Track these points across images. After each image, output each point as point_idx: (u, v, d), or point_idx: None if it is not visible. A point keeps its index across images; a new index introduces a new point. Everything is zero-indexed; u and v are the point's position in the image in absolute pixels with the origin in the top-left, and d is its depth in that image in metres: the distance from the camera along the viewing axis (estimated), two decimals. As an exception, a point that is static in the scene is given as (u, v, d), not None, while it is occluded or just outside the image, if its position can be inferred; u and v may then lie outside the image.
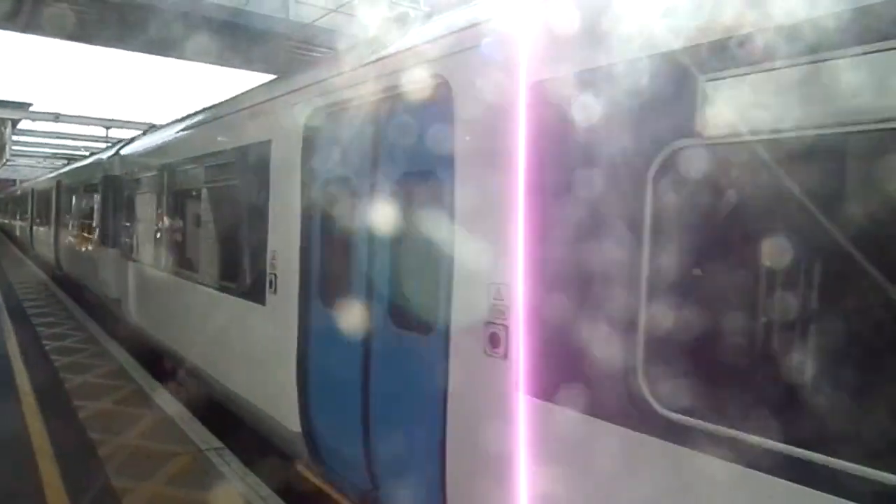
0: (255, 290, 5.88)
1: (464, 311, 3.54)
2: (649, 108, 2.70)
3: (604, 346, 2.76)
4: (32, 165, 45.36)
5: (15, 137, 32.62)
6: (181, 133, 9.04)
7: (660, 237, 2.65)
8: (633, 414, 2.66)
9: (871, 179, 2.23)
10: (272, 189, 5.73)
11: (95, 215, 13.47)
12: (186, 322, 8.05)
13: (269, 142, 5.81)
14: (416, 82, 3.95)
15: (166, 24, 15.11)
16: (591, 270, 2.86)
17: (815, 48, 2.19)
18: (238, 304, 6.30)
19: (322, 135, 5.09)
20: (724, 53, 2.43)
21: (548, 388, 3.05)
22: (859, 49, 2.10)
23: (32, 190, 27.86)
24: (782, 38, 2.26)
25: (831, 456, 2.09)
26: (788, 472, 2.18)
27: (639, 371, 2.65)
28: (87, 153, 29.19)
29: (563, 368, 3.03)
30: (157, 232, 9.31)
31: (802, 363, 2.31)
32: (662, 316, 2.60)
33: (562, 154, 3.06)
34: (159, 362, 9.17)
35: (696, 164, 2.55)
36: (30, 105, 28.80)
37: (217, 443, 6.41)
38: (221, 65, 20.98)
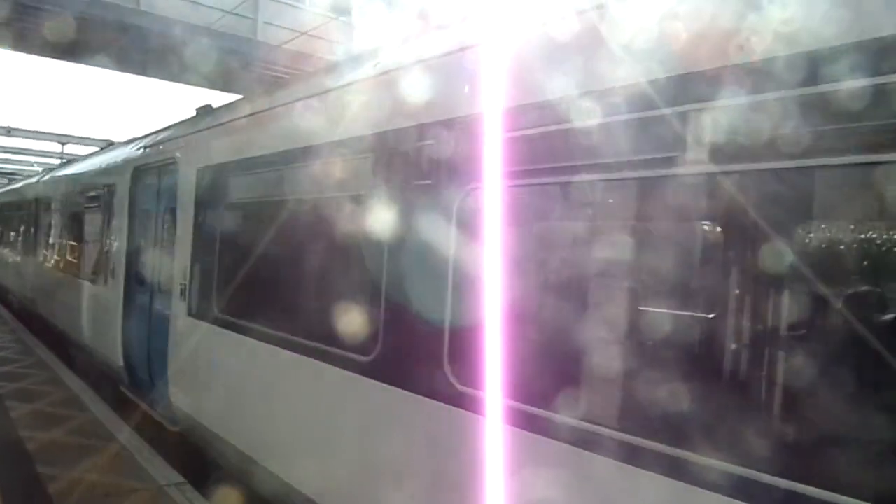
0: (103, 278, 9.58)
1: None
2: None
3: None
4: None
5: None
6: (73, 171, 13.49)
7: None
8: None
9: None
10: (114, 213, 9.46)
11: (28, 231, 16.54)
12: (65, 302, 11.83)
13: (114, 184, 9.61)
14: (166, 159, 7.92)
15: (129, 42, 14.81)
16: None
17: None
18: (94, 287, 10.06)
19: (137, 184, 8.82)
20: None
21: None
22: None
23: None
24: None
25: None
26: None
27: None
28: (39, 169, 28.27)
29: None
30: (53, 241, 13.52)
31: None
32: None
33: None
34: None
35: None
36: (-20, 118, 27.88)
37: (178, 478, 6.08)
38: (185, 83, 20.65)
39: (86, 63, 20.71)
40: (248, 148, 5.88)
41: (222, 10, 15.75)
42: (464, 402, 3.37)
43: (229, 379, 5.97)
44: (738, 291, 2.55)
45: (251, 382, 5.60)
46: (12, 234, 18.36)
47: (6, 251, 18.97)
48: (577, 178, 3.07)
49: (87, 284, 10.47)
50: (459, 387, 3.41)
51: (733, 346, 2.53)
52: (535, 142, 3.14)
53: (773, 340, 2.45)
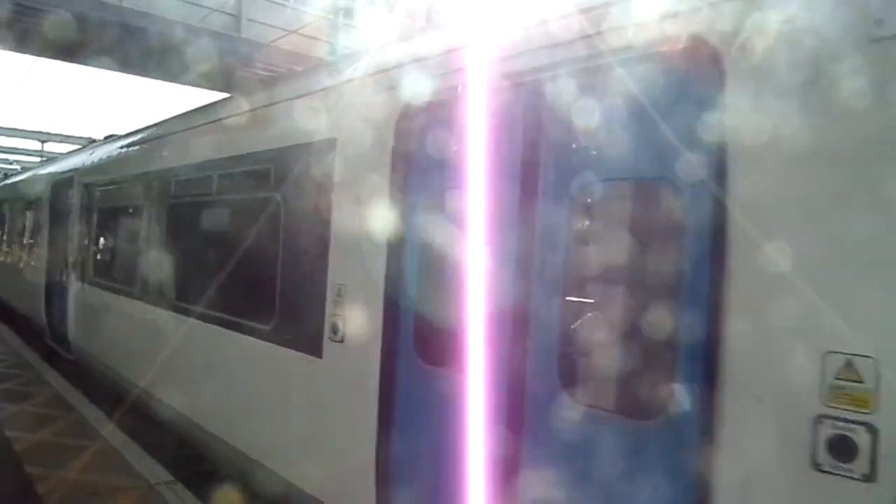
0: (32, 263, 12.64)
1: None
2: None
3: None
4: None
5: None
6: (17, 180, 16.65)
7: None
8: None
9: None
10: (40, 215, 12.39)
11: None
12: (10, 283, 14.83)
13: (41, 193, 12.60)
14: (69, 176, 11.48)
15: (114, 40, 14.68)
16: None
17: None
18: (27, 269, 13.01)
19: (54, 194, 11.80)
20: None
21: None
22: None
23: None
24: None
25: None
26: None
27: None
28: (18, 168, 27.88)
29: None
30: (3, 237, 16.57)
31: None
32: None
33: None
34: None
35: None
36: (-42, 116, 27.41)
37: (168, 476, 6.06)
38: (174, 82, 20.47)
39: (64, 59, 20.46)
40: (105, 171, 9.74)
41: (208, 8, 15.62)
42: None
43: (101, 320, 9.24)
44: None
45: (116, 322, 8.62)
46: None
47: None
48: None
49: (24, 268, 13.85)
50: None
51: None
52: None
53: None
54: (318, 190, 4.54)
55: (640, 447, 2.75)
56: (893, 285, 2.06)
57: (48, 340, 11.60)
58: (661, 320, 2.68)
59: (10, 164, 31.31)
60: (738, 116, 2.46)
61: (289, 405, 4.89)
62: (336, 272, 4.37)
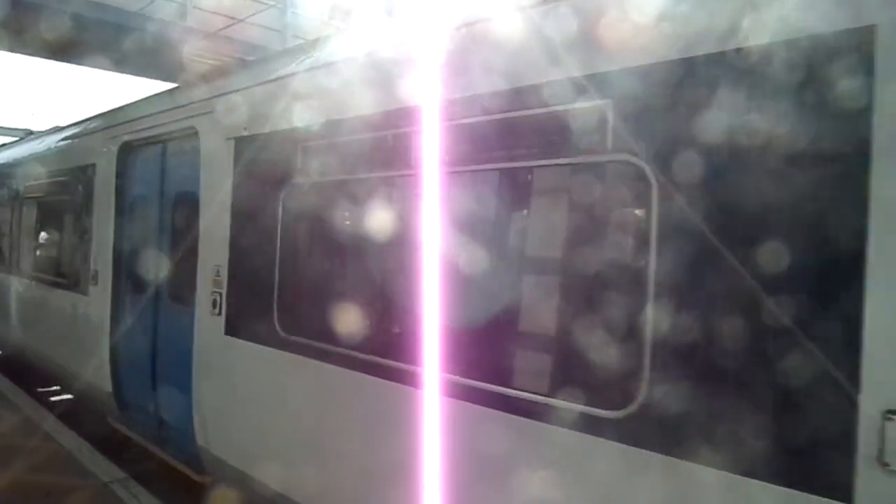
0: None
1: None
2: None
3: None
4: None
5: None
6: None
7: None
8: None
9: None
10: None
11: None
12: None
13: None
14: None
15: (57, 28, 14.14)
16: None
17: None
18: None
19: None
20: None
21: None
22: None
23: None
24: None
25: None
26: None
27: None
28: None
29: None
30: None
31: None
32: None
33: None
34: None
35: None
36: None
37: (121, 474, 6.05)
38: (114, 71, 19.80)
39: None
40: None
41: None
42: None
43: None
44: None
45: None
46: None
47: None
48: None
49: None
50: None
51: None
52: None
53: None
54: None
55: None
56: None
57: None
58: None
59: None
60: None
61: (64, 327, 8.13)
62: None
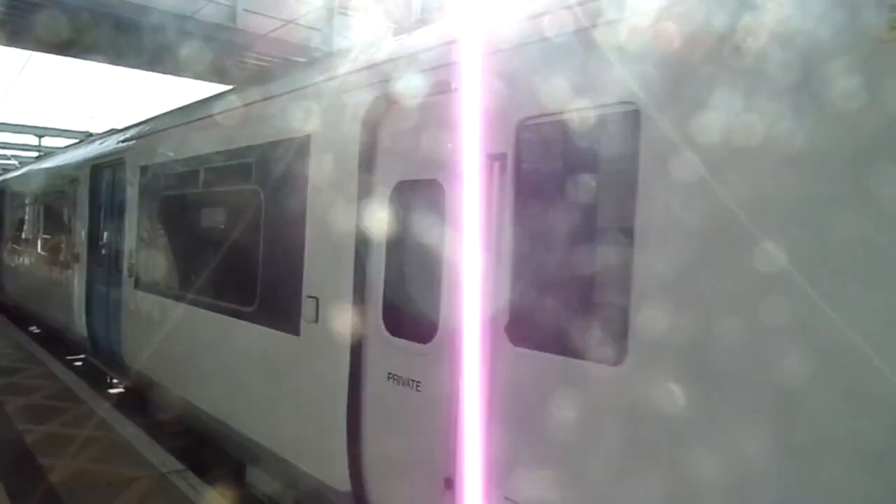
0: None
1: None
2: None
3: None
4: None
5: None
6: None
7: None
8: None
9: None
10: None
11: None
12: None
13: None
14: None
15: (111, 33, 14.64)
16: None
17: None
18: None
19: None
20: None
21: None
22: None
23: None
24: None
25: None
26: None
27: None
28: (17, 163, 27.82)
29: None
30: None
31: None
32: None
33: None
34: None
35: None
36: (-46, 111, 27.30)
37: (178, 465, 6.16)
38: (170, 74, 20.41)
39: (58, 54, 20.35)
40: None
41: (203, -1, 15.60)
42: None
43: None
44: None
45: None
46: None
47: None
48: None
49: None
50: None
51: None
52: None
53: None
54: None
55: None
56: None
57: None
58: None
59: (8, 159, 31.26)
60: None
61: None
62: None
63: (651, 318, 2.66)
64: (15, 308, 14.94)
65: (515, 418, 3.23)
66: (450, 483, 3.44)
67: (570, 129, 3.11)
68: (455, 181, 3.52)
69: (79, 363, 11.38)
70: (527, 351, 3.20)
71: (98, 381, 9.81)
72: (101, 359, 9.74)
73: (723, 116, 2.49)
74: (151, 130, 8.48)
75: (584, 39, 3.02)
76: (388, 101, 4.14)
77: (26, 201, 14.99)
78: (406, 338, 3.91)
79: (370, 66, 4.47)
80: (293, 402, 4.94)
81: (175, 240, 7.47)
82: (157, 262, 7.65)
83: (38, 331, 13.69)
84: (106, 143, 10.33)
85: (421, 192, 3.90)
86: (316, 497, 4.65)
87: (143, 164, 8.12)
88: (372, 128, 4.24)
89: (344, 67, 4.80)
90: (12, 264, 15.66)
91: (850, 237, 2.25)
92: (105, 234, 9.70)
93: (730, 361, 2.47)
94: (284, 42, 15.86)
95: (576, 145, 3.19)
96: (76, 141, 17.27)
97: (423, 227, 3.80)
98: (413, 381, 3.81)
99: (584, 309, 3.13)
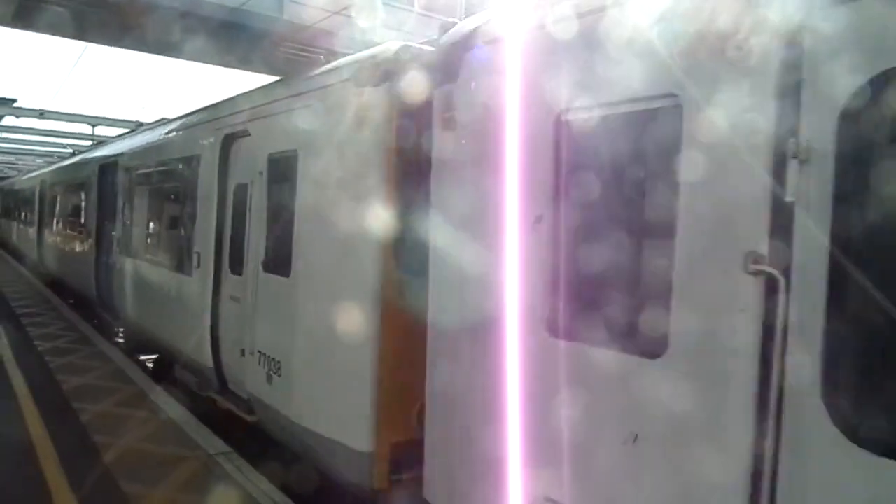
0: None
1: None
2: None
3: None
4: (12, 163, 44.63)
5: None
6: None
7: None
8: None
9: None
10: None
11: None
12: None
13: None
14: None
15: (164, 25, 14.92)
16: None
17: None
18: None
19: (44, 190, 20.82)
20: None
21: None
22: None
23: None
24: None
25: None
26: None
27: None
28: (71, 151, 28.78)
29: None
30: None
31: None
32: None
33: None
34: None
35: None
36: (14, 101, 28.34)
37: (225, 447, 6.29)
38: (218, 64, 20.74)
39: (110, 44, 20.81)
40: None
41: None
42: None
43: None
44: None
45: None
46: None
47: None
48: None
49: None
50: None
51: None
52: None
53: None
54: None
55: None
56: None
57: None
58: None
59: (64, 147, 32.33)
60: None
61: None
62: None
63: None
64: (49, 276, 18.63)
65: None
66: (243, 352, 6.39)
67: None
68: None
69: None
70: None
71: (108, 334, 12.18)
72: (106, 310, 12.39)
73: None
74: (131, 144, 12.15)
75: None
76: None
77: (53, 193, 19.08)
78: (235, 273, 6.76)
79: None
80: (188, 318, 7.67)
81: (135, 218, 10.75)
82: (126, 234, 10.98)
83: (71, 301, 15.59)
84: (109, 148, 14.41)
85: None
86: (195, 371, 7.54)
87: (125, 165, 11.42)
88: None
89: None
90: (47, 243, 19.41)
91: None
92: (108, 216, 12.41)
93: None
94: (329, 34, 15.93)
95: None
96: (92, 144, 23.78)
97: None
98: (238, 297, 6.60)
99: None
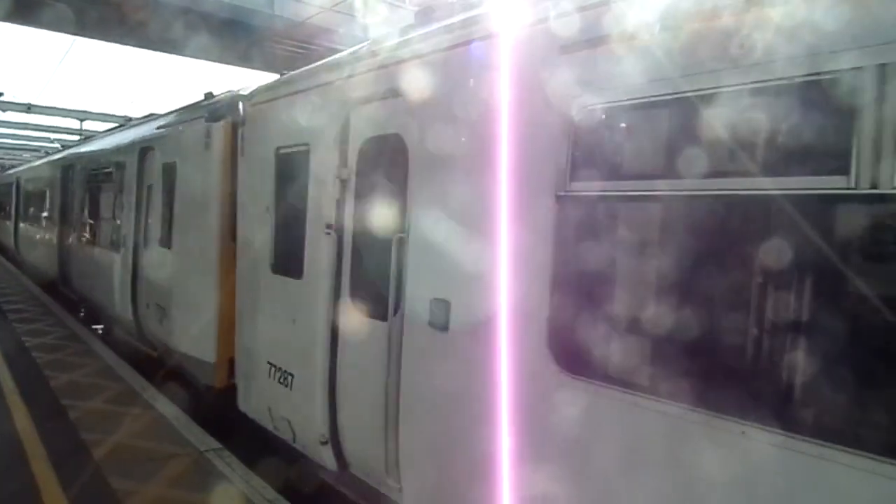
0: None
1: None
2: None
3: None
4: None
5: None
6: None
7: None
8: None
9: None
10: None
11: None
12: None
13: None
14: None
15: (164, 22, 14.87)
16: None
17: None
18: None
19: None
20: None
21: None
22: None
23: None
24: None
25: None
26: None
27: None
28: (59, 146, 28.55)
29: None
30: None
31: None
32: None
33: None
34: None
35: None
36: (0, 94, 28.07)
37: (216, 444, 6.28)
38: (217, 61, 20.64)
39: (104, 39, 20.68)
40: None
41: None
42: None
43: None
44: None
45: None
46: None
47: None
48: None
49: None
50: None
51: None
52: None
53: None
54: None
55: None
56: None
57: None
58: None
59: (52, 142, 32.10)
60: None
61: None
62: None
63: None
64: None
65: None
66: (147, 306, 9.07)
67: None
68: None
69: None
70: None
71: (74, 311, 13.43)
72: (66, 288, 14.63)
73: None
74: (80, 151, 14.84)
75: None
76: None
77: (27, 189, 21.55)
78: (144, 248, 9.37)
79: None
80: (118, 283, 10.15)
81: (86, 210, 13.06)
82: (78, 223, 13.56)
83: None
84: (68, 152, 17.00)
85: None
86: (125, 323, 10.09)
87: (80, 167, 13.86)
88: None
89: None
90: (22, 234, 21.85)
91: None
92: (67, 209, 14.95)
93: None
94: (329, 30, 15.88)
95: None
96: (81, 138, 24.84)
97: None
98: (145, 266, 9.29)
99: None
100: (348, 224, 4.82)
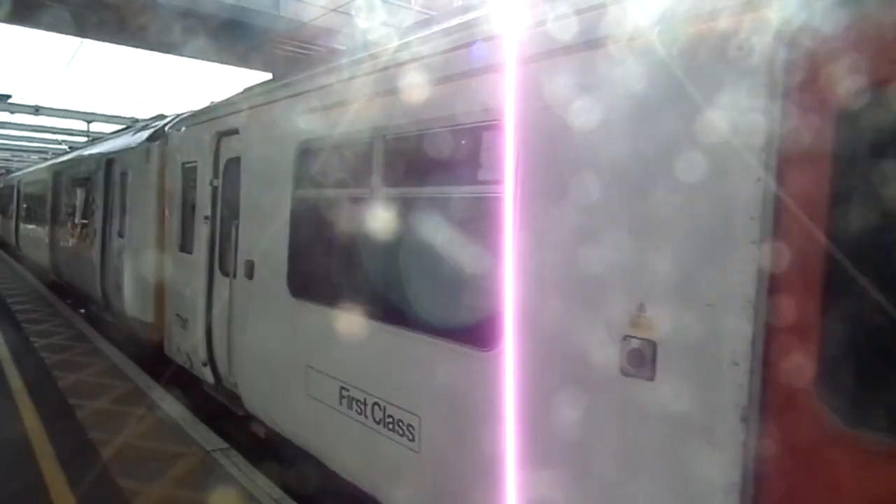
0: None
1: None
2: None
3: None
4: (8, 159, 44.45)
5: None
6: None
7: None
8: None
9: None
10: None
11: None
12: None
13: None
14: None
15: (164, 23, 14.92)
16: None
17: None
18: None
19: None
20: None
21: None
22: None
23: None
24: None
25: None
26: None
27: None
28: (67, 148, 28.71)
29: None
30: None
31: None
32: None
33: None
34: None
35: None
36: (8, 97, 28.26)
37: (222, 444, 6.31)
38: (217, 62, 20.70)
39: (105, 41, 20.72)
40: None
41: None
42: None
43: None
44: None
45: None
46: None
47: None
48: None
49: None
50: None
51: None
52: None
53: None
54: None
55: None
56: None
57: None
58: None
59: (59, 143, 32.29)
60: None
61: None
62: None
63: None
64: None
65: None
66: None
67: None
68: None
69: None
70: None
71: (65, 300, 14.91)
72: (56, 277, 16.67)
73: None
74: (70, 157, 17.37)
75: None
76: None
77: (26, 192, 24.01)
78: (111, 239, 11.47)
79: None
80: (87, 269, 12.55)
81: (69, 209, 15.24)
82: (64, 220, 15.73)
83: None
84: (58, 160, 19.93)
85: None
86: (95, 301, 12.40)
87: (63, 172, 16.56)
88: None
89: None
90: (22, 233, 24.52)
91: None
92: (57, 209, 17.11)
93: None
94: (330, 32, 15.91)
95: None
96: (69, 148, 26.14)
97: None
98: (108, 253, 11.56)
99: None
100: (217, 214, 7.02)
